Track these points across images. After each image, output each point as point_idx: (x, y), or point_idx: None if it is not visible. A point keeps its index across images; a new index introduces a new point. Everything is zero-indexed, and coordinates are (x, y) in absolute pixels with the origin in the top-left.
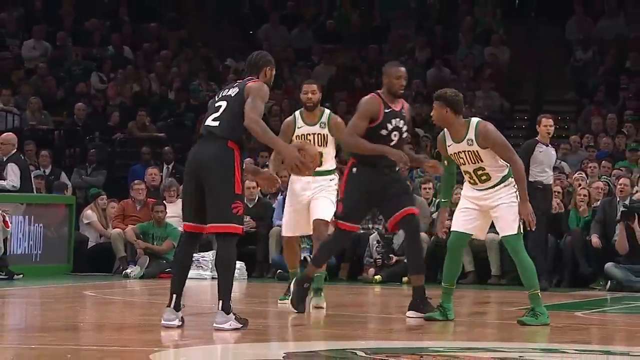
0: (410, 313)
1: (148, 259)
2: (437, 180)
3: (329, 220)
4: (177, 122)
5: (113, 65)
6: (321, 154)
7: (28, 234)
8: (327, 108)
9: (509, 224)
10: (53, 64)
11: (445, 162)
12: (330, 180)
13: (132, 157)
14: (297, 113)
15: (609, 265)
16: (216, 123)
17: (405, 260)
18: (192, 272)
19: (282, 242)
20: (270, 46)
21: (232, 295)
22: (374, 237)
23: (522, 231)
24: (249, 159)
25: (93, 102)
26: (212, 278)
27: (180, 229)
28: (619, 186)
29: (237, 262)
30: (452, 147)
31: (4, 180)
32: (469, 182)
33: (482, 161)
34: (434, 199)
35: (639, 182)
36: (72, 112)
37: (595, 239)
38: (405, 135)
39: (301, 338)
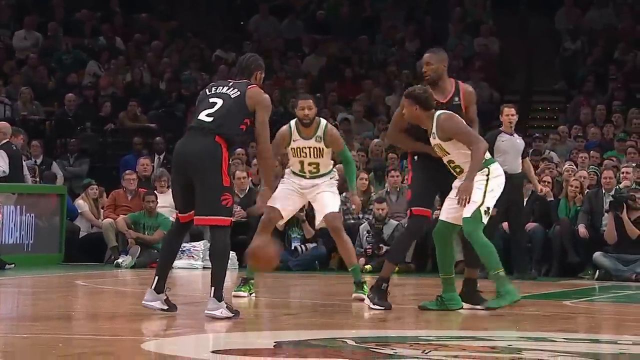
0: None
1: (139, 248)
2: None
3: (338, 211)
4: (168, 112)
5: (104, 56)
6: (317, 164)
7: (19, 224)
8: (319, 98)
9: (467, 207)
10: (44, 54)
11: None
12: (330, 178)
13: (124, 148)
14: (292, 124)
15: (597, 255)
16: (209, 119)
17: None
18: (183, 262)
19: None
20: (260, 37)
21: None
22: (364, 227)
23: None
24: (240, 148)
25: (84, 93)
26: (204, 268)
27: (172, 218)
28: (604, 178)
29: None
30: (432, 141)
31: None
32: (453, 173)
33: (448, 154)
34: None
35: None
36: (63, 102)
37: (582, 229)
38: None
39: (292, 327)
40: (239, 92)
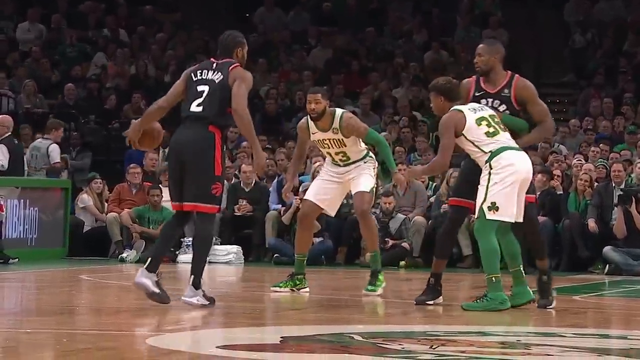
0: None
1: (144, 243)
2: None
3: (368, 191)
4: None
5: (110, 48)
6: (344, 153)
7: (23, 218)
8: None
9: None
10: (48, 47)
11: None
12: (364, 162)
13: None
14: (308, 118)
15: (607, 249)
16: (200, 109)
17: (403, 244)
18: (189, 256)
19: (281, 226)
20: (266, 29)
21: (227, 279)
22: None
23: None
24: (245, 142)
25: (88, 85)
26: (209, 262)
27: None
28: (613, 172)
29: (234, 246)
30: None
31: None
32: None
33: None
34: (430, 182)
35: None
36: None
37: (592, 224)
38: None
39: (298, 322)
40: (221, 75)
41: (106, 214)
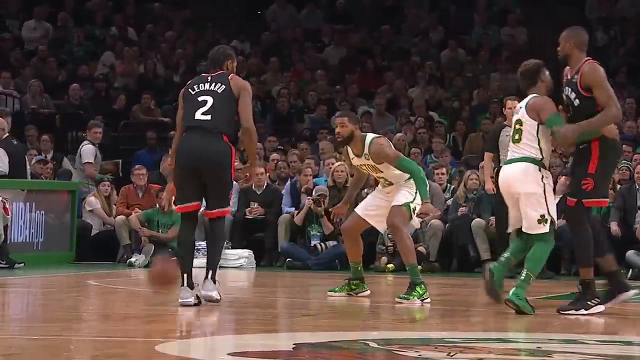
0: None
1: (153, 247)
2: (452, 166)
3: (402, 204)
4: None
5: (118, 47)
6: (384, 178)
7: (29, 221)
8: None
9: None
10: (54, 46)
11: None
12: (405, 181)
13: (137, 142)
14: None
15: (630, 253)
16: (207, 117)
17: (420, 249)
18: (199, 261)
19: (293, 229)
20: (278, 27)
21: (239, 284)
22: None
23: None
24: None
25: (96, 85)
26: (220, 267)
27: None
28: (637, 173)
29: (245, 250)
30: None
31: None
32: None
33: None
34: (448, 184)
35: None
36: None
37: (614, 227)
38: (577, 103)
39: (311, 329)
40: (223, 86)
41: (114, 217)
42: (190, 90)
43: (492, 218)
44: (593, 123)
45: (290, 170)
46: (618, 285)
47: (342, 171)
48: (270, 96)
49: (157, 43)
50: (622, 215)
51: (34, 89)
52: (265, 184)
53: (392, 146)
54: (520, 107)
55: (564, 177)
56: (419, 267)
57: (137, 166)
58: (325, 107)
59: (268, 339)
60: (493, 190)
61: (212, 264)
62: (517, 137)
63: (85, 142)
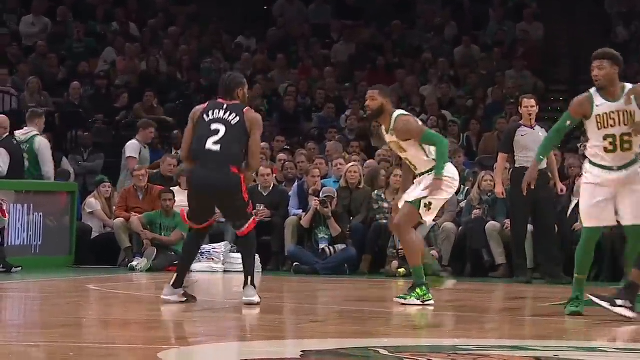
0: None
1: (155, 250)
2: (465, 167)
3: (411, 201)
4: (186, 104)
5: (119, 43)
6: (409, 160)
7: (27, 224)
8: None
9: None
10: (53, 42)
11: (568, 122)
12: (428, 174)
13: None
14: None
15: None
16: (218, 147)
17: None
18: (203, 265)
19: (301, 232)
20: (285, 22)
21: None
22: None
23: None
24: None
25: (96, 82)
26: (224, 271)
27: None
28: None
29: None
30: (603, 107)
31: None
32: (607, 149)
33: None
34: (462, 186)
35: None
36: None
37: None
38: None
39: (319, 335)
40: (238, 118)
41: (113, 220)
42: (205, 116)
43: (507, 221)
44: None
45: (298, 171)
46: None
47: (355, 172)
48: (277, 94)
49: (160, 39)
50: None
51: (33, 86)
52: (272, 185)
53: (419, 122)
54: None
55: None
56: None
57: (136, 166)
58: (334, 106)
59: (275, 345)
60: (503, 194)
61: (250, 271)
62: None
63: (134, 140)
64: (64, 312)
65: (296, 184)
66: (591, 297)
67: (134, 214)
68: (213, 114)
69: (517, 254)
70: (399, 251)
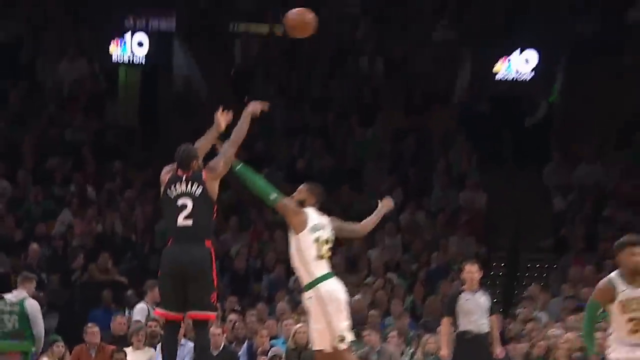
0: None
1: None
2: (411, 328)
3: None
4: (140, 265)
5: (76, 205)
6: None
7: None
8: None
9: None
10: (12, 204)
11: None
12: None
13: (93, 302)
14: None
15: None
16: (189, 222)
17: None
18: None
19: None
20: (238, 186)
21: None
22: None
23: None
24: None
25: (53, 244)
26: None
27: None
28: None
29: None
30: (627, 292)
31: None
32: (633, 331)
33: None
34: (407, 347)
35: None
36: (28, 254)
37: None
38: None
39: None
40: (200, 187)
41: None
42: (168, 192)
43: None
44: None
45: (248, 332)
46: None
47: (304, 332)
48: (228, 256)
49: (117, 202)
50: None
51: None
52: (222, 345)
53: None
54: None
55: None
56: None
57: (89, 324)
58: (284, 267)
59: None
60: (448, 356)
61: None
62: None
63: (142, 302)
64: None
65: (245, 344)
66: None
67: None
68: (176, 189)
69: None
70: None
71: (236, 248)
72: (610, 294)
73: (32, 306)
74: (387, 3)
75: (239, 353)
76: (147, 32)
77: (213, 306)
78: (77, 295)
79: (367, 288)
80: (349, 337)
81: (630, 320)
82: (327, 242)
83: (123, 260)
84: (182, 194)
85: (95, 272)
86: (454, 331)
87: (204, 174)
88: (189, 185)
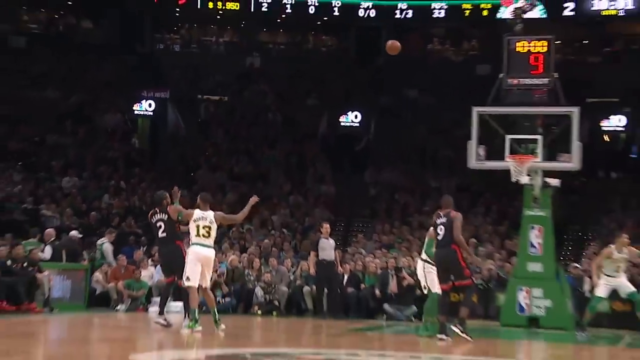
0: None
1: (130, 300)
2: (295, 258)
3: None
4: (147, 225)
5: (113, 191)
6: None
7: (62, 285)
8: None
9: None
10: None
11: None
12: None
13: (123, 243)
14: None
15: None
16: (165, 234)
17: None
18: (153, 309)
19: None
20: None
21: None
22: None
23: None
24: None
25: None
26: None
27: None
28: None
29: None
30: None
31: None
32: None
33: None
34: None
35: None
36: None
37: None
38: None
39: None
40: (167, 215)
41: (108, 284)
42: (152, 220)
43: None
44: None
45: None
46: None
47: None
48: None
49: (137, 190)
50: None
51: None
52: None
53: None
54: None
55: None
56: None
57: (120, 255)
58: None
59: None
60: (314, 273)
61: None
62: None
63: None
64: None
65: None
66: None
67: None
68: (155, 217)
69: None
70: None
71: None
72: None
73: (106, 247)
74: None
75: None
76: (153, 99)
77: (180, 275)
78: (116, 240)
79: (273, 237)
80: (193, 282)
81: None
82: (205, 226)
83: (139, 221)
84: (158, 220)
85: (125, 227)
86: (316, 259)
87: (169, 208)
88: (162, 214)
